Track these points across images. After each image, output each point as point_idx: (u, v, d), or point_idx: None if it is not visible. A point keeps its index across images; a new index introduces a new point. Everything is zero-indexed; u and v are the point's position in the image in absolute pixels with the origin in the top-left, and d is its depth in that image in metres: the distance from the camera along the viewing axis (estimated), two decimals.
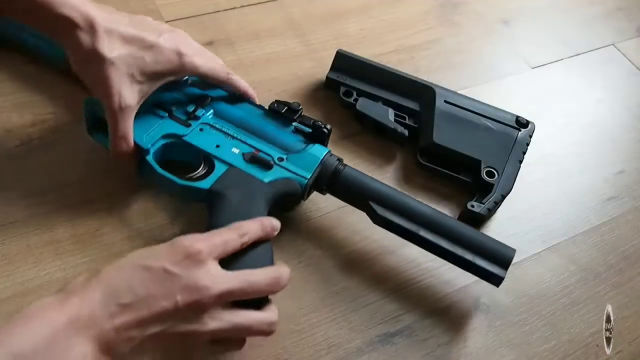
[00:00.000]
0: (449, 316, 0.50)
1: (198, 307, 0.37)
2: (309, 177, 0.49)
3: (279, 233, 0.52)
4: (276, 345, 0.46)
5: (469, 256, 0.47)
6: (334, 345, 0.47)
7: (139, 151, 0.48)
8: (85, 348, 0.33)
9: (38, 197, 0.50)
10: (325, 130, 0.51)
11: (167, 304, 0.36)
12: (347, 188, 0.50)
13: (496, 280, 0.47)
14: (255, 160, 0.49)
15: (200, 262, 0.38)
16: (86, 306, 0.34)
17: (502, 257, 0.47)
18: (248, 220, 0.43)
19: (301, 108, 0.53)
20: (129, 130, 0.47)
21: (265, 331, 0.41)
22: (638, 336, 0.51)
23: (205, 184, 0.48)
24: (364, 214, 0.50)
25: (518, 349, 0.49)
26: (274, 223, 0.45)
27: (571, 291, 0.53)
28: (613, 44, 0.78)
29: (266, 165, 0.49)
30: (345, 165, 0.51)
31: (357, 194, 0.50)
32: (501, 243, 0.48)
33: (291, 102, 0.53)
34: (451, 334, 0.49)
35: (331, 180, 0.50)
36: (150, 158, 0.49)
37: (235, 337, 0.42)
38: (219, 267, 0.39)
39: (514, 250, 0.48)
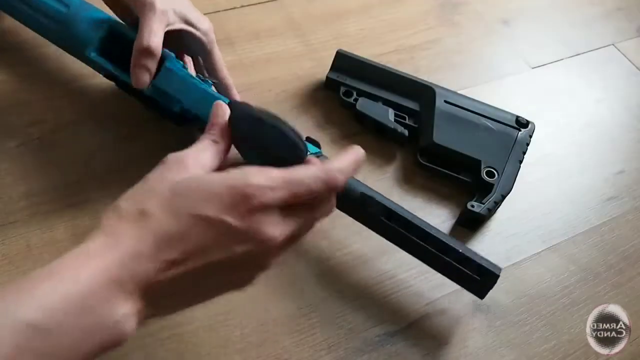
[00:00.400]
0: (448, 316, 0.50)
1: (260, 257, 0.34)
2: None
3: None
4: (276, 345, 0.46)
5: (455, 262, 0.47)
6: (334, 345, 0.47)
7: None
8: (127, 303, 0.30)
9: (38, 197, 0.50)
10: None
11: (224, 255, 0.33)
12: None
13: (481, 291, 0.47)
14: None
15: (265, 214, 0.33)
16: (133, 254, 0.31)
17: (490, 271, 0.47)
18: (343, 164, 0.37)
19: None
20: (160, 30, 0.47)
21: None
22: (638, 336, 0.51)
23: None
24: None
25: (518, 349, 0.49)
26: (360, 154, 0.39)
27: (571, 291, 0.53)
28: (613, 44, 0.78)
29: None
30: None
31: (344, 200, 0.48)
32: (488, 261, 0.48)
33: None
34: (451, 334, 0.49)
35: None
36: (172, 60, 0.48)
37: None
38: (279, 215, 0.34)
39: (500, 269, 0.47)
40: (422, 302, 0.50)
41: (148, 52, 0.46)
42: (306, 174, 0.35)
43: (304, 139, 0.41)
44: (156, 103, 0.51)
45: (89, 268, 0.30)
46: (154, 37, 0.46)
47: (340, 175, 0.36)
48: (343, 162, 0.37)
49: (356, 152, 0.39)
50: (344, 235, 0.53)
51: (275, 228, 0.34)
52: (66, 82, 0.58)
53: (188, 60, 0.57)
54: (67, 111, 0.56)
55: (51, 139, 0.54)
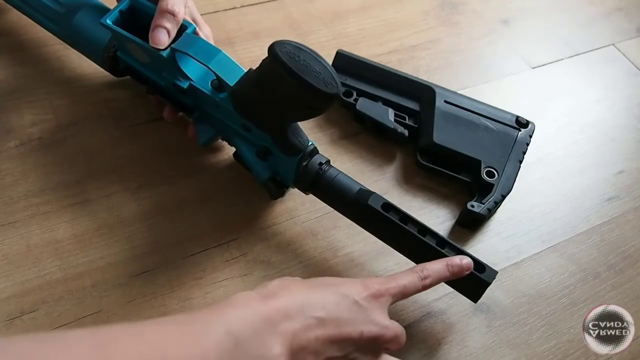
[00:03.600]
0: (448, 316, 0.50)
1: (377, 342, 0.39)
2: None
3: (278, 234, 0.52)
4: None
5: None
6: None
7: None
8: (280, 346, 0.34)
9: (38, 197, 0.51)
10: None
11: (353, 331, 0.37)
12: (327, 190, 0.49)
13: (475, 295, 0.47)
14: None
15: (383, 303, 0.40)
16: (284, 309, 0.36)
17: (484, 274, 0.46)
18: (432, 262, 0.45)
19: None
20: (182, 3, 0.47)
21: None
22: (638, 336, 0.51)
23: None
24: None
25: (518, 349, 0.49)
26: (464, 263, 0.45)
27: (571, 291, 0.53)
28: (613, 44, 0.78)
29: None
30: (331, 166, 0.50)
31: (337, 198, 0.49)
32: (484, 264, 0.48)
33: None
34: (451, 334, 0.49)
35: (313, 180, 0.49)
36: (193, 30, 0.49)
37: None
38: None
39: (496, 272, 0.47)
40: (422, 302, 0.50)
41: (171, 13, 0.47)
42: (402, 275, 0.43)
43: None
44: (160, 86, 0.51)
45: (256, 305, 0.36)
46: (177, 3, 0.47)
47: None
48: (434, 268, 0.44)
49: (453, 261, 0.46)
50: (344, 235, 0.53)
51: (389, 320, 0.41)
52: (67, 83, 0.58)
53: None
54: (68, 111, 0.56)
55: (51, 139, 0.54)
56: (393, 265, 0.52)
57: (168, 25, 0.47)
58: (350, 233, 0.53)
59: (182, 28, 0.48)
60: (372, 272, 0.51)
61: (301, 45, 0.43)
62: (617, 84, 0.73)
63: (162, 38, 0.46)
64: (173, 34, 0.47)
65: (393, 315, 0.49)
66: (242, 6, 0.70)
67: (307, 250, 0.52)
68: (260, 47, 0.66)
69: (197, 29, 0.51)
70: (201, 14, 0.57)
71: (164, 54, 0.47)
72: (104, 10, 0.52)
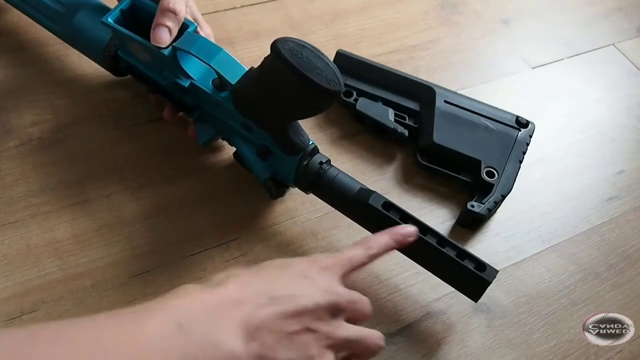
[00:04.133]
0: (448, 316, 0.50)
1: (334, 310, 0.39)
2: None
3: (278, 234, 0.52)
4: None
5: (457, 256, 0.46)
6: None
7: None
8: (234, 329, 0.34)
9: (38, 197, 0.51)
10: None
11: (307, 301, 0.37)
12: (328, 190, 0.49)
13: (475, 293, 0.47)
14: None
15: (333, 273, 0.40)
16: (234, 295, 0.36)
17: (485, 273, 0.46)
18: (376, 234, 0.44)
19: None
20: (183, 1, 0.48)
21: (379, 349, 0.41)
22: (638, 336, 0.51)
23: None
24: None
25: (518, 349, 0.49)
26: (406, 231, 0.45)
27: (571, 291, 0.53)
28: (613, 44, 0.78)
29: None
30: (332, 166, 0.50)
31: (337, 198, 0.49)
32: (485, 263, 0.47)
33: None
34: (451, 334, 0.49)
35: (314, 180, 0.49)
36: (194, 29, 0.49)
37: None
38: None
39: (496, 271, 0.47)
40: (422, 302, 0.51)
41: (173, 11, 0.47)
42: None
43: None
44: (162, 85, 0.51)
45: (200, 294, 0.36)
46: (178, 2, 0.47)
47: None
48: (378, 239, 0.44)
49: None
50: (344, 235, 0.53)
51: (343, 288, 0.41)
52: (67, 83, 0.58)
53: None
54: (68, 111, 0.56)
55: (51, 140, 0.54)
56: (393, 265, 0.52)
57: (169, 23, 0.47)
58: (350, 233, 0.53)
59: (184, 27, 0.48)
60: (372, 272, 0.51)
61: (304, 42, 0.43)
62: (617, 84, 0.73)
63: (164, 36, 0.46)
64: (174, 32, 0.47)
65: (392, 310, 0.50)
66: (242, 6, 0.70)
67: (307, 250, 0.52)
68: (260, 47, 0.66)
69: (198, 28, 0.51)
70: (201, 14, 0.57)
71: (166, 52, 0.47)
72: (105, 10, 0.52)
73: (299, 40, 0.43)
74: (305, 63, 0.41)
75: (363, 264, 0.42)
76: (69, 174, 0.52)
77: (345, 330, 0.39)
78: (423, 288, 0.51)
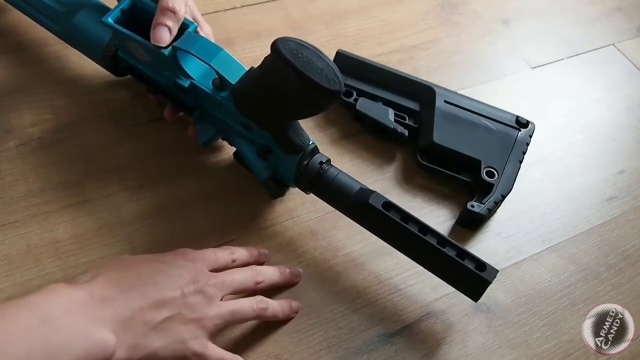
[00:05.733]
0: (448, 316, 0.50)
1: (202, 293, 0.41)
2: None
3: (278, 234, 0.52)
4: (276, 345, 0.46)
5: (457, 256, 0.46)
6: (334, 345, 0.47)
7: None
8: (104, 321, 0.36)
9: (38, 197, 0.51)
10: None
11: (175, 292, 0.40)
12: (327, 190, 0.49)
13: (476, 293, 0.47)
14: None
15: (195, 262, 0.43)
16: (100, 292, 0.38)
17: (485, 273, 0.46)
18: (242, 248, 0.49)
19: None
20: (182, 1, 0.47)
21: (262, 310, 0.44)
22: (638, 336, 0.51)
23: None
24: None
25: (518, 349, 0.49)
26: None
27: (571, 291, 0.53)
28: (613, 44, 0.78)
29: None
30: (332, 165, 0.50)
31: (337, 197, 0.49)
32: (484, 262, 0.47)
33: None
34: (451, 334, 0.49)
35: (314, 179, 0.49)
36: (194, 29, 0.49)
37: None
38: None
39: (496, 271, 0.46)
40: (422, 302, 0.50)
41: (172, 10, 0.46)
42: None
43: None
44: (162, 85, 0.51)
45: (65, 290, 0.37)
46: (177, 1, 0.47)
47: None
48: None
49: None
50: (344, 235, 0.53)
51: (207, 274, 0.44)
52: (67, 83, 0.58)
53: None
54: (67, 112, 0.56)
55: (51, 140, 0.54)
56: (393, 266, 0.52)
57: (169, 23, 0.47)
58: (350, 233, 0.53)
59: (183, 27, 0.48)
60: (372, 272, 0.51)
61: (304, 42, 0.43)
62: (617, 84, 0.73)
63: (164, 36, 0.46)
64: (174, 31, 0.47)
65: (392, 310, 0.50)
66: (242, 6, 0.70)
67: (307, 250, 0.52)
68: (260, 47, 0.66)
69: (198, 27, 0.51)
70: (201, 14, 0.57)
71: (166, 52, 0.47)
72: (105, 10, 0.52)
73: (299, 40, 0.43)
74: (306, 63, 0.41)
75: (226, 267, 0.45)
76: (69, 174, 0.52)
77: (217, 308, 0.41)
78: (423, 288, 0.51)
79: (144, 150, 0.55)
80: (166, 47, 0.47)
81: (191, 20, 0.50)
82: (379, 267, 0.52)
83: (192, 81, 0.49)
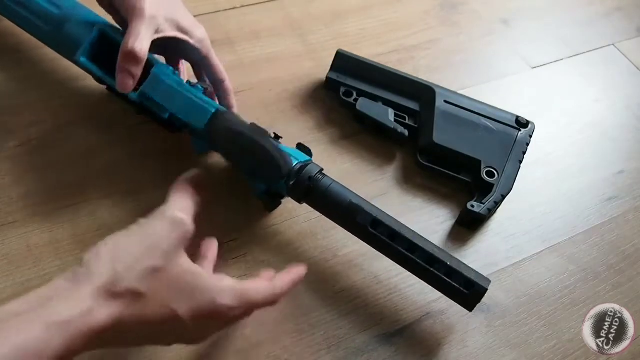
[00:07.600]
0: (448, 316, 0.50)
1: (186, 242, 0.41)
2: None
3: (278, 234, 0.52)
4: (276, 345, 0.46)
5: (443, 276, 0.46)
6: (334, 345, 0.47)
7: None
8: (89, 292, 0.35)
9: (38, 197, 0.50)
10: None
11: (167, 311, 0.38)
12: (319, 203, 0.49)
13: (469, 304, 0.47)
14: None
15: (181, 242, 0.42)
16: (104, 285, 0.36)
17: (478, 284, 0.46)
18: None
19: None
20: (147, 36, 0.46)
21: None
22: (638, 336, 0.51)
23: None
24: None
25: (518, 349, 0.49)
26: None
27: (571, 291, 0.53)
28: (613, 44, 0.78)
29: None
30: (324, 176, 0.49)
31: (329, 210, 0.49)
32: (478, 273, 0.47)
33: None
34: (451, 334, 0.49)
35: (305, 194, 0.49)
36: (160, 66, 0.49)
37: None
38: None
39: (488, 282, 0.46)
40: (422, 302, 0.51)
41: (132, 56, 0.45)
42: (257, 293, 0.41)
43: (285, 156, 0.47)
44: (147, 108, 0.51)
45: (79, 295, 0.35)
46: (139, 42, 0.45)
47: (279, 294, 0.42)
48: (285, 281, 0.43)
49: (297, 273, 0.45)
50: (344, 235, 0.53)
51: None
52: (65, 83, 0.58)
53: (186, 64, 0.56)
54: (66, 112, 0.56)
55: (50, 140, 0.54)
56: (392, 266, 0.52)
57: (132, 69, 0.46)
58: (349, 233, 0.53)
59: (149, 65, 0.48)
60: (371, 273, 0.51)
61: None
62: (617, 84, 0.73)
63: (127, 83, 0.46)
64: (138, 75, 0.46)
65: (392, 310, 0.50)
66: (242, 6, 0.70)
67: (307, 250, 0.52)
68: (260, 47, 0.66)
69: (186, 37, 0.51)
70: (201, 14, 0.57)
71: (133, 96, 0.48)
72: (91, 25, 0.51)
73: (236, 124, 0.48)
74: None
75: (195, 236, 0.43)
76: (68, 174, 0.52)
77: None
78: (423, 288, 0.51)
79: (144, 150, 0.55)
80: (134, 91, 0.48)
81: (175, 33, 0.49)
82: (379, 267, 0.52)
83: (171, 113, 0.49)
